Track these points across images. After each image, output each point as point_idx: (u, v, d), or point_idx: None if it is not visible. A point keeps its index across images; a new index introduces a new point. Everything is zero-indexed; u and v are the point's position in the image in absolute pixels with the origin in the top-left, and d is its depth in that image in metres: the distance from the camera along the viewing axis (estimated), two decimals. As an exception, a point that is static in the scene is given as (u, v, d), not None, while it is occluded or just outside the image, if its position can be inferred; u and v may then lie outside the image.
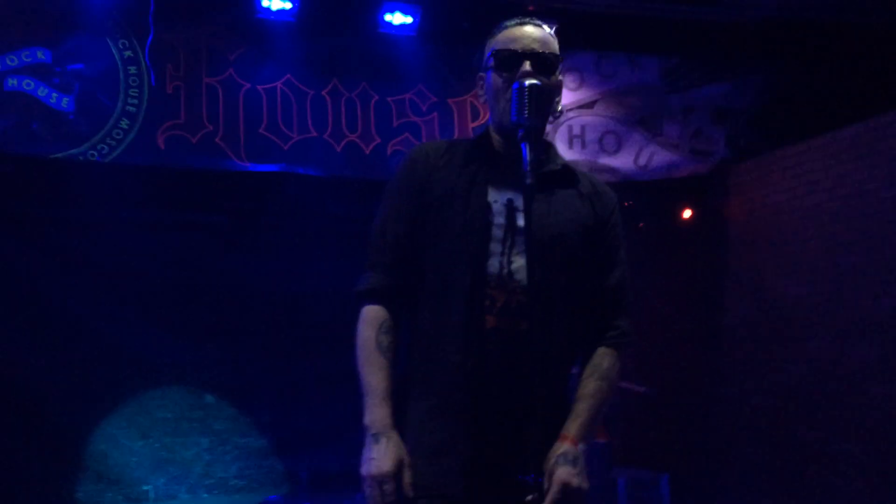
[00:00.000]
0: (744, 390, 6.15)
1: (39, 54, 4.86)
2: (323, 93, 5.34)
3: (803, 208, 5.74)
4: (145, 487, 5.77)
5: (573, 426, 2.05)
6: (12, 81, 4.80)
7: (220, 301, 5.97)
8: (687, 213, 6.70)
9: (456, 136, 5.37)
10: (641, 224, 6.71)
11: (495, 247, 2.06)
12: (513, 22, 2.18)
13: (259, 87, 5.21)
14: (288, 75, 5.26)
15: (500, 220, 2.07)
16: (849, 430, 5.29)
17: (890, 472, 5.01)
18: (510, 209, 2.07)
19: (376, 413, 2.03)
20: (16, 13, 4.80)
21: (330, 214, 5.68)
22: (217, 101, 5.12)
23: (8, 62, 4.80)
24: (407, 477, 1.99)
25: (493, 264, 2.05)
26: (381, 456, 1.98)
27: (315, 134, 5.32)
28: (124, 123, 4.99)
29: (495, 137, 2.18)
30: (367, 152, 5.43)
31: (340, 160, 5.35)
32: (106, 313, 5.66)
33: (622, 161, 5.95)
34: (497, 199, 2.09)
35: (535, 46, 2.12)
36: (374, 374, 2.06)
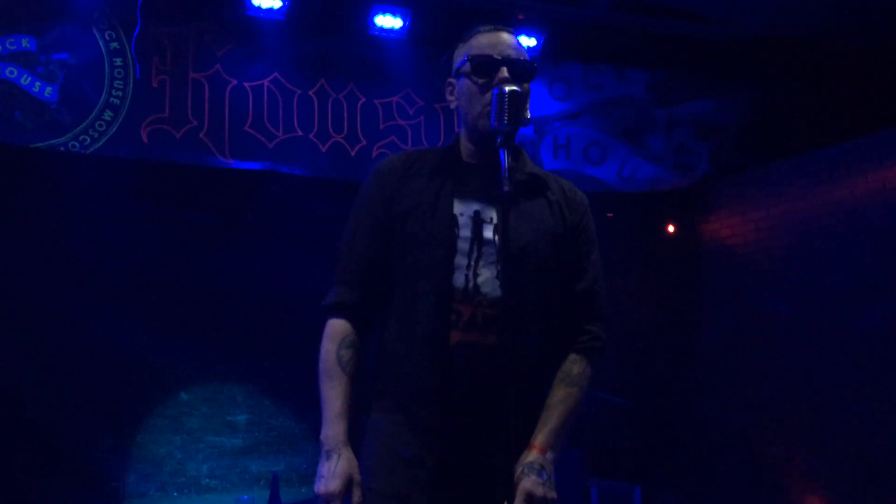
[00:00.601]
0: (720, 405, 6.18)
1: (24, 42, 4.81)
2: (310, 93, 5.32)
3: (784, 226, 5.78)
4: (115, 484, 5.70)
5: (541, 435, 2.03)
6: (-7, 69, 4.75)
7: (199, 298, 5.92)
8: (668, 227, 6.74)
9: (442, 141, 5.36)
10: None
11: (461, 260, 2.04)
12: (486, 28, 2.16)
13: (246, 84, 5.18)
14: (275, 73, 5.24)
15: (465, 232, 2.06)
16: (824, 448, 5.32)
17: (863, 490, 5.04)
18: (476, 221, 2.06)
19: (330, 429, 2.02)
20: (1, 0, 4.74)
21: (313, 214, 5.64)
22: (203, 96, 5.09)
23: (-10, 49, 4.75)
24: (356, 496, 1.98)
25: (459, 278, 2.04)
26: (330, 474, 1.97)
27: (301, 133, 5.30)
28: (108, 115, 4.94)
29: (465, 146, 2.16)
30: (353, 154, 5.42)
31: (325, 161, 5.33)
32: (82, 306, 5.59)
33: (606, 172, 5.98)
34: (463, 211, 2.08)
35: (512, 53, 2.11)
36: (331, 389, 2.05)
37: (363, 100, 5.42)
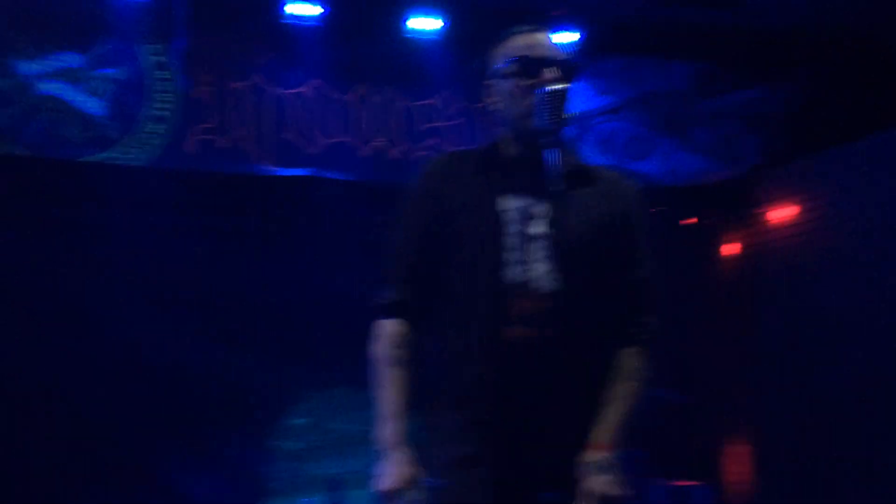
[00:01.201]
0: (783, 400, 6.04)
1: (71, 59, 4.96)
2: (350, 97, 5.38)
3: (837, 215, 5.64)
4: (181, 490, 5.82)
5: (603, 432, 2.02)
6: (45, 86, 4.90)
7: (252, 305, 6.01)
8: (718, 220, 6.62)
9: (482, 142, 5.35)
10: (682, 222, 6.59)
11: (512, 255, 2.05)
12: (524, 28, 2.19)
13: (287, 92, 5.26)
14: (315, 80, 5.30)
15: (514, 228, 2.07)
16: (892, 444, 5.16)
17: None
18: (524, 216, 2.07)
19: (386, 430, 2.04)
20: (49, 18, 4.90)
21: (357, 219, 5.69)
22: (245, 105, 5.18)
23: (41, 67, 4.89)
24: (415, 495, 1.99)
25: (511, 274, 2.04)
26: (389, 473, 1.99)
27: (342, 139, 5.36)
28: (154, 128, 5.06)
29: (508, 145, 2.17)
30: (394, 157, 5.46)
31: (367, 165, 5.38)
32: (134, 317, 5.70)
33: (651, 166, 5.93)
34: (510, 206, 2.09)
35: (553, 53, 2.14)
36: (386, 390, 2.07)
37: (403, 103, 5.46)
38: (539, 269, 2.04)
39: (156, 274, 5.70)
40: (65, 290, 5.50)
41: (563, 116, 2.04)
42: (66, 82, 4.93)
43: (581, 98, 5.78)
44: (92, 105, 4.97)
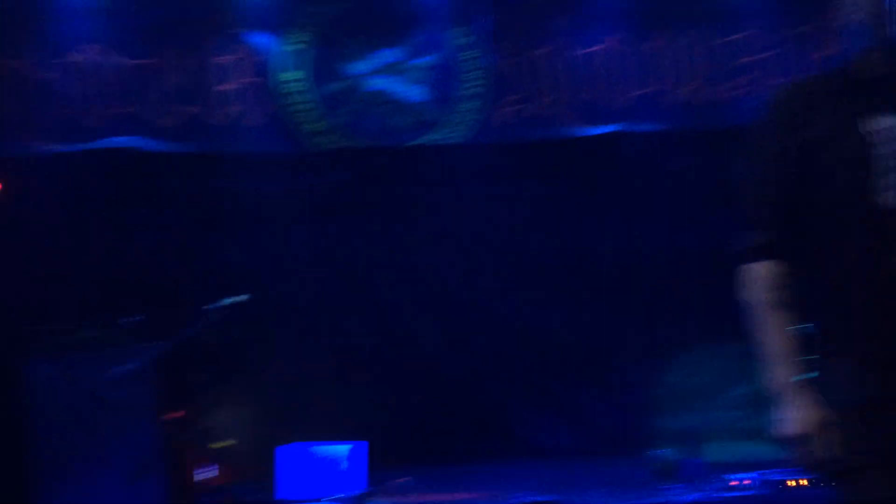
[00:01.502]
0: None
1: (391, 54, 5.44)
2: (654, 46, 5.24)
3: None
4: (535, 439, 6.17)
5: None
6: (373, 82, 5.44)
7: (586, 264, 6.13)
8: None
9: (803, 70, 4.91)
10: None
11: (890, 179, 1.89)
12: None
13: (588, 51, 5.27)
14: (614, 35, 5.25)
15: (889, 149, 1.91)
16: None
17: None
18: None
19: (778, 374, 1.97)
20: (367, 20, 5.43)
21: (673, 170, 5.53)
22: (548, 71, 5.29)
23: (368, 65, 5.44)
24: (833, 437, 1.90)
25: (891, 198, 1.89)
26: (795, 418, 1.93)
27: (650, 89, 5.24)
28: (469, 106, 5.37)
29: (868, 61, 2.00)
30: (709, 100, 5.22)
31: (677, 112, 5.21)
32: (478, 280, 6.09)
33: None
34: (882, 127, 1.92)
35: None
36: (771, 334, 2.00)
37: (711, 42, 5.20)
38: None
39: (486, 240, 6.05)
40: (408, 262, 6.07)
41: None
42: (390, 75, 5.43)
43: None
44: (413, 93, 5.42)
